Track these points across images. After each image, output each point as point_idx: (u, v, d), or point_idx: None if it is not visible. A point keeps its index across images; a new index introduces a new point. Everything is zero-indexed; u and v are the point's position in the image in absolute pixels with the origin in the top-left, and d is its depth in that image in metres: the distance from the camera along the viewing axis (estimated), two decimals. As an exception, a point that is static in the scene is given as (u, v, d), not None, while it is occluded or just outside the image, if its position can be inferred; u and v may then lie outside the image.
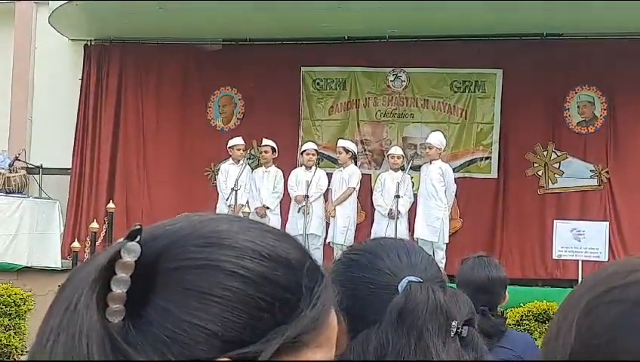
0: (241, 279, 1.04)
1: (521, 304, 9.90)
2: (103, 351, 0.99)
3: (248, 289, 1.04)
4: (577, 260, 12.19)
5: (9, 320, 10.49)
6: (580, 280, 11.73)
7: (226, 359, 1.02)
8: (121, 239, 1.06)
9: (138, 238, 1.05)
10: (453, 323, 2.86)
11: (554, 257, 12.74)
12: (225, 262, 1.05)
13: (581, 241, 12.14)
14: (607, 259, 12.61)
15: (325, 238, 13.42)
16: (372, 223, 13.52)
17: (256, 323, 1.03)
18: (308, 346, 1.07)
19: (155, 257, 1.05)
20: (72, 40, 15.77)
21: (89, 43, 15.83)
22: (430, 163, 13.06)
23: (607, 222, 13.05)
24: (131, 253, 1.03)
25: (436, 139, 13.16)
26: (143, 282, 1.03)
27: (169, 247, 1.06)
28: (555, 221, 12.85)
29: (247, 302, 1.04)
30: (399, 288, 1.91)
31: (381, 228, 12.99)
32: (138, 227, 1.07)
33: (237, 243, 1.07)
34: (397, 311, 1.86)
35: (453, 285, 4.73)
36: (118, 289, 1.02)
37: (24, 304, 10.57)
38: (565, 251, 12.30)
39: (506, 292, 4.62)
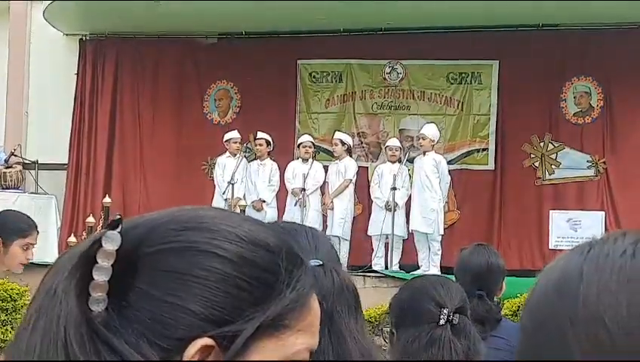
0: (219, 259, 1.06)
1: (518, 294, 9.90)
2: (80, 335, 1.01)
3: (226, 268, 1.05)
4: (574, 250, 12.16)
5: (6, 315, 10.50)
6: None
7: (207, 339, 1.03)
8: (103, 229, 1.08)
9: (119, 228, 1.07)
10: (444, 311, 2.87)
11: (550, 247, 12.77)
12: (203, 243, 1.07)
13: (577, 231, 12.16)
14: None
15: (323, 231, 13.41)
16: (369, 215, 13.53)
17: (236, 303, 1.05)
18: (290, 329, 1.08)
19: (135, 244, 1.07)
20: (67, 35, 15.77)
21: (84, 38, 15.83)
22: (424, 155, 13.07)
23: (604, 212, 13.06)
24: (112, 241, 1.05)
25: (429, 130, 13.19)
26: (125, 269, 1.05)
27: (149, 234, 1.08)
28: (551, 211, 12.86)
29: (226, 281, 1.05)
30: None
31: (378, 220, 13.02)
32: (118, 217, 1.09)
33: (215, 226, 1.09)
34: None
35: (452, 276, 4.75)
36: (100, 278, 1.04)
37: (21, 299, 10.58)
38: (562, 241, 12.31)
39: (504, 283, 4.62)
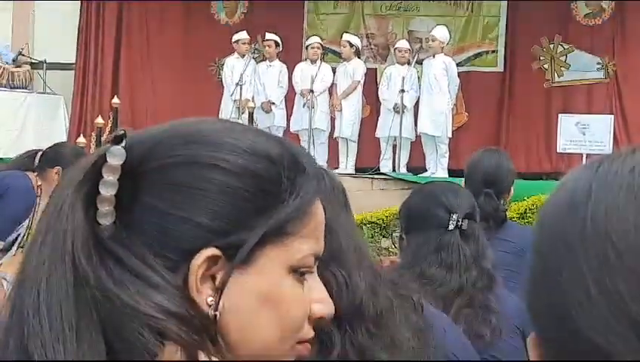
0: (222, 171, 1.08)
1: (525, 198, 9.94)
2: (87, 249, 1.04)
3: (230, 180, 1.08)
4: (582, 154, 12.18)
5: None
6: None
7: (213, 249, 1.06)
8: (107, 144, 1.10)
9: (123, 142, 1.09)
10: (453, 216, 2.91)
11: (558, 151, 12.74)
12: (205, 156, 1.09)
13: (586, 135, 12.11)
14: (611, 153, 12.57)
15: (331, 133, 13.44)
16: (377, 117, 13.51)
17: (240, 213, 1.07)
18: (293, 236, 1.10)
19: (140, 159, 1.09)
20: None
21: None
22: (433, 57, 12.97)
23: (612, 115, 13.02)
24: (117, 156, 1.07)
25: (440, 32, 13.05)
26: (130, 183, 1.07)
27: (153, 149, 1.09)
28: (559, 115, 12.81)
29: (229, 192, 1.07)
30: None
31: (387, 122, 13.01)
32: (122, 132, 1.10)
33: (217, 139, 1.11)
34: None
35: (459, 178, 4.78)
36: (107, 192, 1.06)
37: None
38: (570, 144, 12.27)
39: (513, 187, 4.65)
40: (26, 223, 5.07)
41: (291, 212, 1.10)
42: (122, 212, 1.07)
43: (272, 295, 1.09)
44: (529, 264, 1.02)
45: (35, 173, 5.03)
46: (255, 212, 1.08)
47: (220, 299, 1.07)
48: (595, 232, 0.93)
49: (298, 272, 1.11)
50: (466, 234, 2.94)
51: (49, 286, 1.03)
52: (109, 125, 11.52)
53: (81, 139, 11.44)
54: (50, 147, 5.21)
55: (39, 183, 5.00)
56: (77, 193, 1.06)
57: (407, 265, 2.93)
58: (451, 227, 2.90)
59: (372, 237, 10.64)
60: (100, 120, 11.16)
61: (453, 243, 2.90)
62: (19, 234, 5.07)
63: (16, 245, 5.08)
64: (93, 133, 12.52)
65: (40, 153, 5.12)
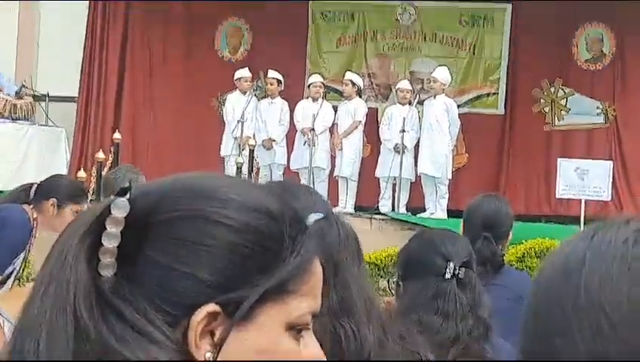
0: (226, 228, 1.09)
1: (524, 240, 9.93)
2: (89, 302, 1.06)
3: (233, 237, 1.09)
4: (580, 199, 12.18)
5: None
6: (582, 218, 11.75)
7: (213, 305, 1.07)
8: (112, 196, 1.12)
9: (128, 195, 1.11)
10: (450, 265, 2.92)
11: (557, 196, 12.75)
12: (211, 212, 1.10)
13: (584, 180, 12.10)
14: (610, 199, 12.62)
15: (331, 171, 13.45)
16: (378, 157, 13.53)
17: (242, 270, 1.09)
18: (294, 293, 1.12)
19: (145, 212, 1.10)
20: (80, -34, 15.64)
21: (97, -30, 15.71)
22: (434, 98, 13.04)
23: (611, 161, 13.03)
24: (121, 208, 1.09)
25: (441, 73, 13.13)
26: (135, 236, 1.09)
27: (158, 202, 1.11)
28: (559, 159, 12.83)
29: (232, 249, 1.09)
30: None
31: (387, 162, 13.04)
32: (127, 185, 1.12)
33: (222, 195, 1.12)
34: None
35: (458, 220, 4.79)
36: (109, 244, 1.08)
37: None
38: (568, 190, 12.27)
39: (511, 232, 4.67)
40: (22, 256, 5.08)
41: (292, 270, 1.11)
42: (124, 264, 1.08)
43: (270, 352, 1.10)
44: (524, 319, 1.03)
45: (31, 206, 5.03)
46: (257, 269, 1.09)
47: (217, 354, 1.08)
48: (588, 302, 0.94)
49: (295, 329, 1.12)
50: (463, 283, 2.94)
51: (49, 337, 1.04)
52: (110, 160, 11.53)
53: (82, 173, 11.44)
54: (45, 179, 5.22)
55: (35, 216, 5.00)
56: (81, 244, 1.08)
57: (403, 312, 2.93)
58: (448, 275, 2.91)
59: (370, 277, 10.61)
60: (100, 154, 11.13)
61: (450, 292, 2.90)
62: (15, 268, 5.07)
63: (12, 278, 5.08)
64: (93, 168, 12.52)
65: (35, 186, 5.13)
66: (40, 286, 1.08)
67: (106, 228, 1.08)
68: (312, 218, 1.96)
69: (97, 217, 1.09)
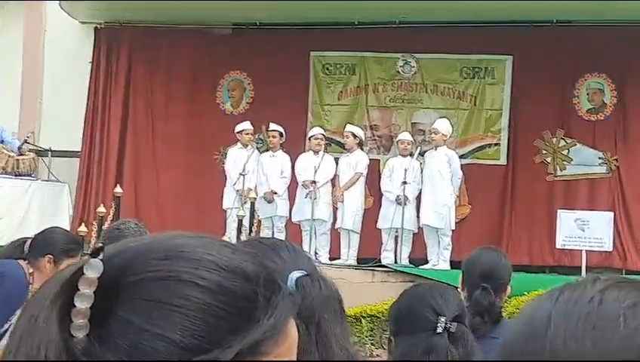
0: (199, 288, 1.07)
1: (526, 292, 9.87)
2: None
3: (206, 297, 1.07)
4: (581, 250, 12.19)
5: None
6: (584, 269, 11.74)
7: None
8: (85, 256, 1.10)
9: (101, 255, 1.09)
10: (442, 319, 2.90)
11: (557, 247, 12.76)
12: (183, 273, 1.08)
13: (585, 231, 12.11)
14: (611, 249, 12.60)
15: (333, 224, 13.45)
16: (380, 209, 13.53)
17: (214, 331, 1.07)
18: (267, 355, 1.10)
19: (118, 272, 1.09)
20: (83, 23, 15.79)
21: (99, 26, 15.86)
22: (435, 149, 13.07)
23: (612, 213, 13.05)
24: (94, 269, 1.07)
25: (442, 125, 13.18)
26: (107, 297, 1.07)
27: (131, 262, 1.10)
28: (559, 211, 12.85)
29: (205, 310, 1.07)
30: (289, 287, 1.92)
31: (389, 214, 13.03)
32: (100, 245, 1.12)
33: (195, 255, 1.11)
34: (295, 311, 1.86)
35: (458, 273, 4.77)
36: (82, 305, 1.06)
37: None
38: (569, 241, 12.28)
39: (509, 286, 4.66)
40: (18, 313, 5.05)
41: (266, 331, 1.09)
42: (97, 325, 1.06)
43: None
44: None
45: (26, 261, 5.00)
46: (230, 330, 1.07)
47: None
48: (554, 360, 0.93)
49: None
50: (455, 337, 2.92)
51: None
52: (111, 214, 11.55)
53: (82, 228, 11.49)
54: (39, 234, 5.18)
55: (31, 271, 4.98)
56: (53, 305, 1.06)
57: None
58: (439, 330, 2.89)
59: (372, 330, 10.57)
60: (102, 208, 11.18)
61: (442, 347, 2.88)
62: (11, 324, 5.04)
63: (7, 334, 5.05)
64: (94, 222, 12.55)
65: (29, 241, 5.10)
66: (11, 349, 1.06)
67: (78, 289, 1.06)
68: (295, 275, 1.96)
69: (70, 278, 1.07)
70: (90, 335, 1.06)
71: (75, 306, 1.06)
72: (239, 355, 1.07)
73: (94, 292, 1.06)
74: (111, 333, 1.06)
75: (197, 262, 1.10)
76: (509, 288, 4.65)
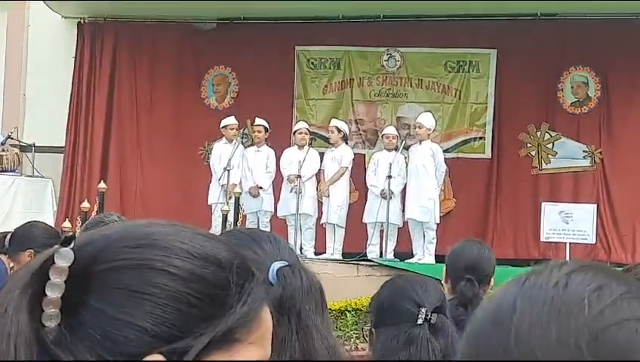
0: (170, 276, 1.07)
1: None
2: (30, 354, 1.03)
3: (177, 285, 1.07)
4: (565, 242, 12.26)
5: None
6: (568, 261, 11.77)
7: (157, 355, 1.04)
8: (56, 246, 1.09)
9: (72, 244, 1.09)
10: (422, 311, 2.89)
11: (542, 240, 12.82)
12: (155, 261, 1.08)
13: (569, 224, 12.19)
14: (594, 242, 12.68)
15: (318, 218, 13.45)
16: (365, 203, 13.54)
17: (186, 319, 1.06)
18: (241, 343, 1.09)
19: (89, 261, 1.08)
20: (66, 18, 15.71)
21: (82, 21, 15.77)
22: (420, 143, 13.09)
23: (595, 205, 13.12)
24: (65, 258, 1.07)
25: (426, 119, 13.21)
26: (78, 285, 1.06)
27: (103, 251, 1.09)
28: (543, 203, 12.90)
29: (177, 298, 1.06)
30: (270, 278, 1.92)
31: (374, 208, 13.05)
32: (71, 234, 1.10)
33: (167, 243, 1.10)
34: (276, 301, 1.87)
35: (443, 266, 4.78)
36: (53, 294, 1.05)
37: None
38: (553, 233, 12.35)
39: (492, 279, 4.68)
40: None
41: (239, 319, 1.09)
42: (68, 314, 1.06)
43: None
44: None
45: (7, 256, 4.99)
46: (202, 318, 1.07)
47: None
48: (519, 346, 0.93)
49: None
50: (436, 328, 2.91)
51: None
52: (95, 210, 11.51)
53: (67, 224, 11.45)
54: (19, 228, 5.17)
55: (12, 266, 4.97)
56: (23, 295, 1.05)
57: (376, 360, 2.90)
58: (420, 321, 2.88)
59: (356, 324, 10.58)
60: (86, 204, 11.14)
61: (422, 338, 2.87)
62: None
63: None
64: (79, 217, 12.50)
65: (9, 235, 5.08)
66: None
67: (49, 278, 1.06)
68: (276, 266, 1.96)
69: (40, 267, 1.07)
70: (61, 324, 1.05)
71: (46, 295, 1.05)
72: (212, 342, 1.06)
73: (65, 281, 1.06)
74: (82, 322, 1.05)
75: (168, 250, 1.09)
76: (492, 280, 4.67)
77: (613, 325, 0.93)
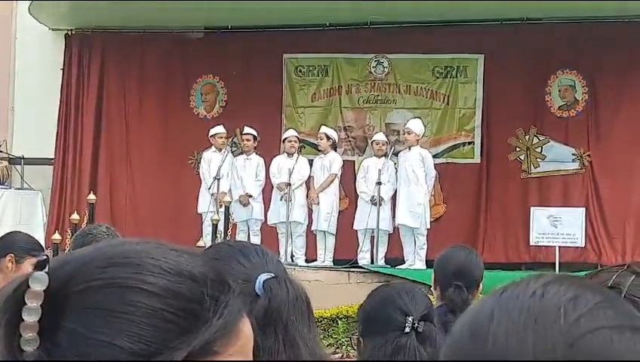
0: (145, 293, 1.07)
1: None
2: None
3: (152, 302, 1.07)
4: (554, 246, 12.29)
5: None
6: (557, 265, 11.83)
7: None
8: (30, 270, 1.10)
9: (46, 268, 1.09)
10: (409, 319, 2.90)
11: (531, 244, 12.86)
12: (128, 279, 1.08)
13: (558, 228, 12.24)
14: (584, 245, 12.70)
15: (309, 226, 13.45)
16: (355, 210, 13.55)
17: (163, 335, 1.06)
18: (221, 355, 1.09)
19: (64, 283, 1.08)
20: (53, 29, 15.70)
21: (70, 32, 15.76)
22: (409, 149, 13.10)
23: (584, 208, 13.15)
24: (40, 281, 1.07)
25: (414, 125, 13.23)
26: (54, 308, 1.07)
27: (76, 272, 1.09)
28: (532, 208, 12.94)
29: (152, 314, 1.07)
30: (257, 289, 1.93)
31: (364, 215, 13.05)
32: (45, 257, 1.11)
33: (140, 261, 1.10)
34: (262, 313, 1.88)
35: (429, 271, 4.79)
36: (30, 319, 1.05)
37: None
38: (543, 238, 12.40)
39: (481, 284, 4.69)
40: None
41: (216, 332, 1.09)
42: (46, 338, 1.06)
43: None
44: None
45: None
46: (178, 333, 1.07)
47: None
48: (496, 355, 0.94)
49: None
50: (423, 337, 2.92)
51: None
52: (85, 222, 11.48)
53: (56, 236, 11.42)
54: (0, 237, 5.19)
55: None
56: None
57: (364, 368, 2.91)
58: (407, 330, 2.89)
59: (347, 331, 10.57)
60: (75, 216, 11.12)
61: (410, 347, 2.88)
62: None
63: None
64: (69, 229, 12.48)
65: None
66: None
67: (25, 303, 1.06)
68: (262, 278, 1.96)
69: (14, 291, 1.07)
70: (39, 348, 1.05)
71: (23, 320, 1.05)
72: (191, 356, 1.06)
73: (41, 305, 1.06)
74: (59, 345, 1.05)
75: (141, 267, 1.09)
76: (481, 286, 4.67)
77: (589, 333, 0.94)
